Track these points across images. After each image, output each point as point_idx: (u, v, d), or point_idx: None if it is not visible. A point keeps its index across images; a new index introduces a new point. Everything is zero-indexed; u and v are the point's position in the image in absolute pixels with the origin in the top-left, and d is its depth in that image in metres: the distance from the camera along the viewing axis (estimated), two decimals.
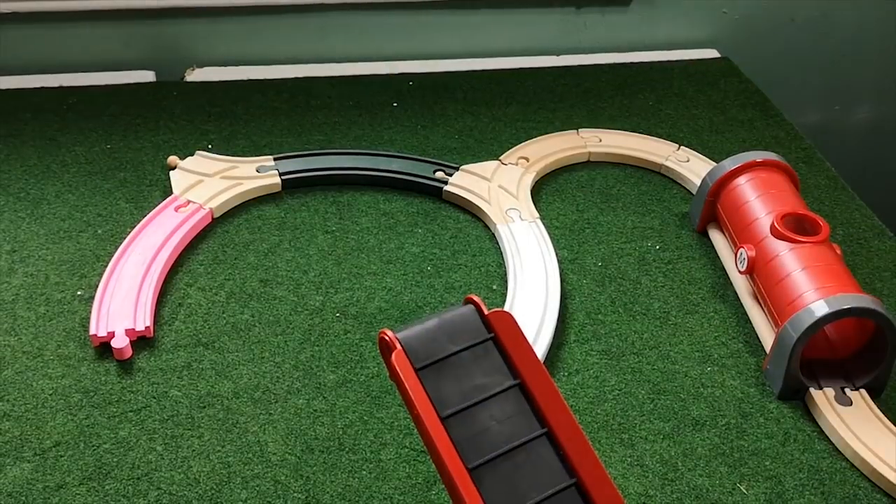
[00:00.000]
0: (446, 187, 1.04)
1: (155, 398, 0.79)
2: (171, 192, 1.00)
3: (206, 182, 1.01)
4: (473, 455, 0.51)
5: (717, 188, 0.98)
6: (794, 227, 0.89)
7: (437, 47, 1.34)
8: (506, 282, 0.92)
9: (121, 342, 0.82)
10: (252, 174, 1.03)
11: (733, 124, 1.24)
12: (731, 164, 0.98)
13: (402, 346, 0.51)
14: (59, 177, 1.04)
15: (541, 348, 0.83)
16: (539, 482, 0.51)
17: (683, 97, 1.29)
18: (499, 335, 0.55)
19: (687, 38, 1.45)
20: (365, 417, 0.79)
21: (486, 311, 0.57)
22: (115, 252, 0.91)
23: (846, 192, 1.12)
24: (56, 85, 1.20)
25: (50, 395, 0.79)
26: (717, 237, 1.00)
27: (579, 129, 1.16)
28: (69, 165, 1.06)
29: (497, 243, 0.98)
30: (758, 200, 0.93)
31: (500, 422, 0.53)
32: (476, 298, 0.57)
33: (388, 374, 0.54)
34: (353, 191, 1.05)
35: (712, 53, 1.42)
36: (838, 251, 0.88)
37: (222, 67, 1.26)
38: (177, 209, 0.97)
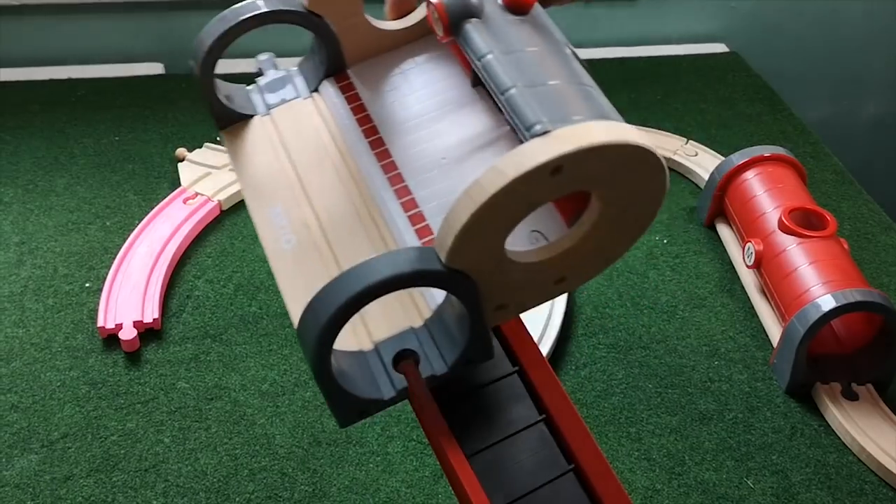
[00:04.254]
0: None
1: (163, 390, 0.79)
2: (179, 185, 1.00)
3: (215, 174, 1.02)
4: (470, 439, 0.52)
5: (725, 182, 0.98)
6: (802, 221, 0.89)
7: None
8: None
9: (129, 334, 0.82)
10: None
11: (741, 119, 1.24)
12: (738, 158, 0.97)
13: None
14: (67, 169, 1.04)
15: (548, 342, 0.83)
16: (535, 463, 0.52)
17: (692, 91, 1.29)
18: (500, 328, 0.55)
19: (695, 33, 1.44)
20: None
21: None
22: (123, 244, 0.91)
23: (853, 187, 1.12)
24: (65, 77, 1.20)
25: (58, 386, 0.79)
26: (724, 231, 1.00)
27: None
28: (78, 157, 1.06)
29: None
30: (765, 195, 0.93)
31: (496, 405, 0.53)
32: None
33: None
34: None
35: (721, 48, 1.42)
36: (846, 246, 0.88)
37: (231, 60, 1.26)
38: (185, 201, 0.97)
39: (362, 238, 0.51)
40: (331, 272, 0.49)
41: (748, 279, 0.94)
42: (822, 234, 0.86)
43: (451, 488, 0.51)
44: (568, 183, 0.40)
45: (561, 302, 0.88)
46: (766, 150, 0.97)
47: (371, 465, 0.74)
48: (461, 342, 0.47)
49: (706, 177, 1.03)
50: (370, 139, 0.54)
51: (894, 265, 0.99)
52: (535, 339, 0.56)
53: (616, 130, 0.40)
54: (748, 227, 0.93)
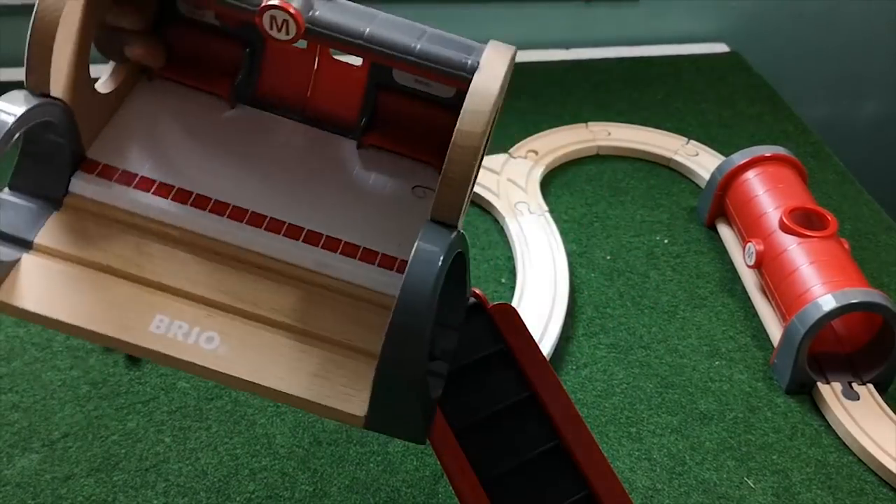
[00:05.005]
0: None
1: (163, 390, 0.79)
2: None
3: None
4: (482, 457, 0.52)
5: (726, 182, 0.98)
6: (803, 221, 0.89)
7: None
8: (514, 275, 0.92)
9: None
10: None
11: (742, 118, 1.24)
12: (739, 158, 0.97)
13: None
14: None
15: (549, 342, 0.83)
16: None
17: (692, 91, 1.29)
18: (501, 328, 0.55)
19: (696, 33, 1.44)
20: None
21: (488, 304, 0.57)
22: None
23: (854, 187, 1.12)
24: None
25: (58, 386, 0.79)
26: (725, 231, 1.00)
27: (588, 123, 1.16)
28: None
29: (506, 237, 0.98)
30: (766, 195, 0.93)
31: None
32: (478, 291, 0.57)
33: None
34: None
35: (721, 48, 1.42)
36: (846, 246, 0.88)
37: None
38: None
39: (284, 289, 0.48)
40: (296, 336, 0.46)
41: (749, 279, 0.94)
42: (822, 234, 0.86)
43: (451, 488, 0.51)
44: (502, 98, 0.45)
45: (561, 302, 0.88)
46: (767, 150, 0.97)
47: (371, 465, 0.74)
48: (459, 310, 0.49)
49: (707, 177, 1.03)
50: (189, 203, 0.49)
51: (895, 265, 0.99)
52: (536, 339, 0.56)
53: (505, 44, 0.46)
54: (749, 227, 0.93)
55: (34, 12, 0.46)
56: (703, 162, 1.11)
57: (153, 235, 0.48)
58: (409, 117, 0.54)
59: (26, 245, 0.47)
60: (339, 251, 0.49)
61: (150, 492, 0.71)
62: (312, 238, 0.49)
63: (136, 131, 0.52)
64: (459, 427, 0.50)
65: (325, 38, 0.45)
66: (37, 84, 0.46)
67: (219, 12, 0.53)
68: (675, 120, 1.21)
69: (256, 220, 0.49)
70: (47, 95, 0.46)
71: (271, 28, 0.45)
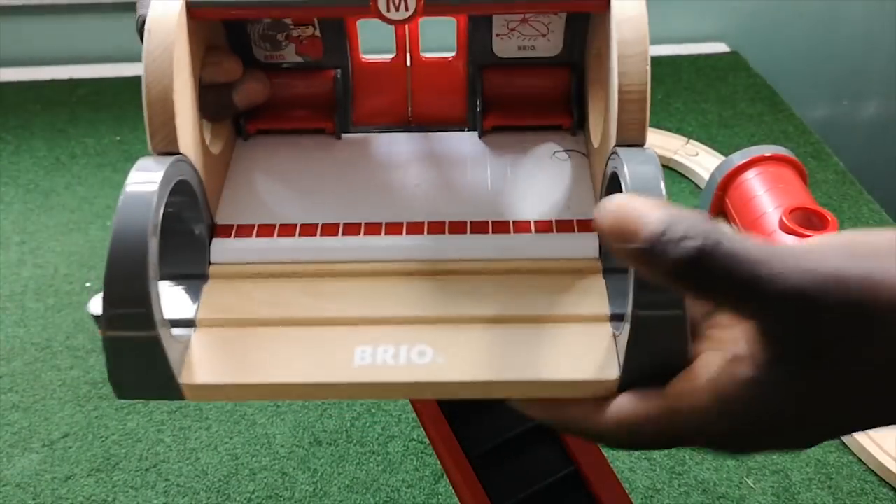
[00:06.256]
0: None
1: None
2: None
3: None
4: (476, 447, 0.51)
5: (726, 182, 0.98)
6: (803, 221, 0.88)
7: (448, 41, 1.34)
8: None
9: None
10: None
11: (742, 118, 1.24)
12: (739, 158, 0.97)
13: None
14: (68, 168, 1.04)
15: None
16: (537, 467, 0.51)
17: (692, 91, 1.29)
18: None
19: (696, 33, 1.44)
20: (373, 410, 0.79)
21: None
22: None
23: (854, 187, 1.12)
24: (65, 77, 1.20)
25: (58, 386, 0.79)
26: None
27: None
28: (78, 157, 1.06)
29: None
30: (766, 195, 0.93)
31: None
32: None
33: None
34: None
35: (721, 48, 1.42)
36: None
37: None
38: None
39: (474, 285, 0.44)
40: (509, 325, 0.42)
41: None
42: (822, 234, 0.86)
43: (451, 488, 0.52)
44: None
45: None
46: (767, 150, 0.97)
47: (371, 465, 0.74)
48: None
49: (707, 177, 1.03)
50: (340, 234, 0.46)
51: None
52: None
53: None
54: (749, 227, 0.93)
55: (143, 55, 0.40)
56: (702, 162, 1.11)
57: (316, 276, 0.44)
58: (521, 87, 0.52)
59: (189, 325, 0.42)
60: (511, 232, 0.45)
61: (150, 492, 0.71)
62: (479, 228, 0.46)
63: (254, 186, 0.49)
64: (474, 454, 0.50)
65: (445, 3, 0.43)
66: (165, 143, 0.41)
67: (322, 15, 0.49)
68: (675, 120, 1.21)
69: (415, 228, 0.46)
70: (177, 153, 0.41)
71: (388, 10, 0.42)
